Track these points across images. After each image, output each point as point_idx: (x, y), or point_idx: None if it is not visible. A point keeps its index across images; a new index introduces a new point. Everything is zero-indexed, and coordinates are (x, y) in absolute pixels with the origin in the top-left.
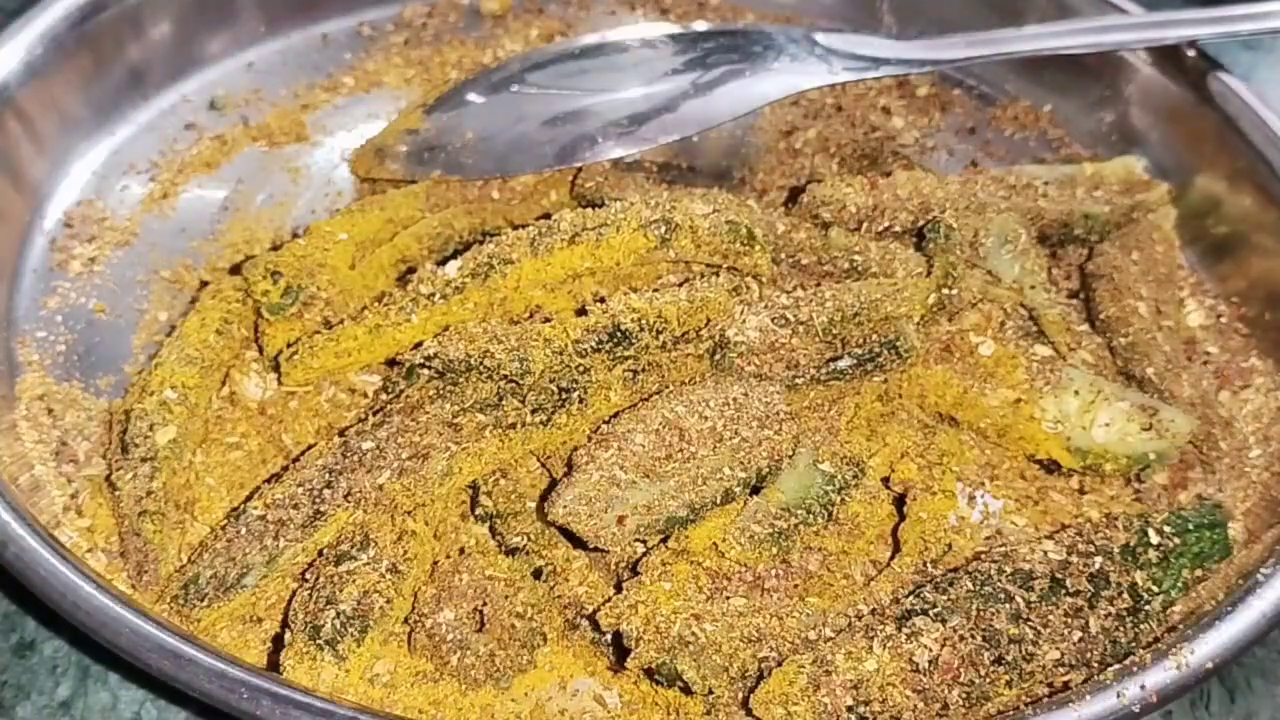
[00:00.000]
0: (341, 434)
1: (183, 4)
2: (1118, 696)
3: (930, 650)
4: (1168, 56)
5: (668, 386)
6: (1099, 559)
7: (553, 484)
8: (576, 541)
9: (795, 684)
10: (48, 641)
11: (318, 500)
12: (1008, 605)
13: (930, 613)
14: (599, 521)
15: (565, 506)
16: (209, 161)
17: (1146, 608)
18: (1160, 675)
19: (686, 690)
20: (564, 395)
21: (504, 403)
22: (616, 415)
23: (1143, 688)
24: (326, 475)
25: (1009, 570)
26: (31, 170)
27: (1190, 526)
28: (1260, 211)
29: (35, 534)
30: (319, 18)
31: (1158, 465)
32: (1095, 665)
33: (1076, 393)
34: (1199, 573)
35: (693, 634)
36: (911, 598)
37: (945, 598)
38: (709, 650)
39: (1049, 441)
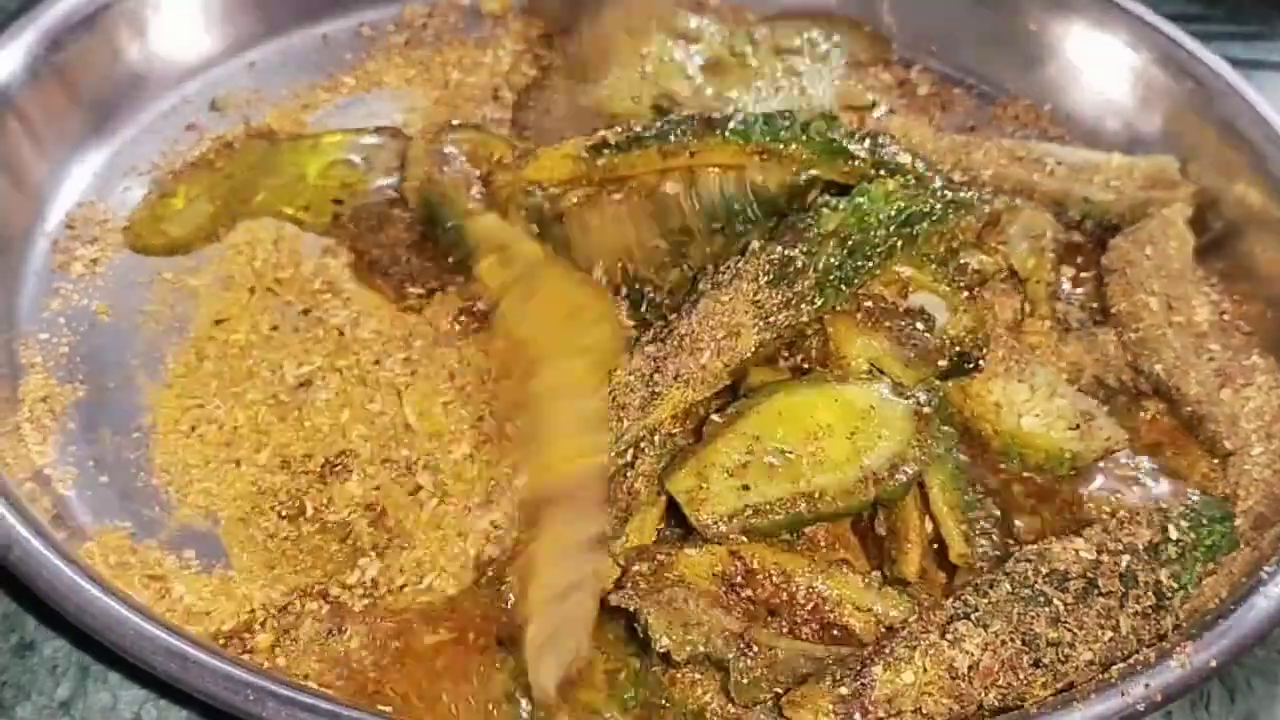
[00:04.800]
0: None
1: (183, 4)
2: (1122, 695)
3: (972, 655)
4: (1168, 56)
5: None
6: (1126, 558)
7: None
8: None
9: (829, 696)
10: (48, 641)
11: (650, 384)
12: (1047, 609)
13: (972, 617)
14: (710, 511)
15: (684, 484)
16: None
17: (1167, 604)
18: (1164, 674)
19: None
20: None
21: (795, 272)
22: (762, 387)
23: (1147, 686)
24: (653, 362)
25: (1045, 571)
26: (33, 172)
27: (1203, 521)
28: (1261, 210)
29: (39, 536)
30: (319, 18)
31: (1070, 466)
32: (1117, 661)
33: (1031, 387)
34: (1210, 566)
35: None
36: (954, 601)
37: (986, 601)
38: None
39: (980, 420)
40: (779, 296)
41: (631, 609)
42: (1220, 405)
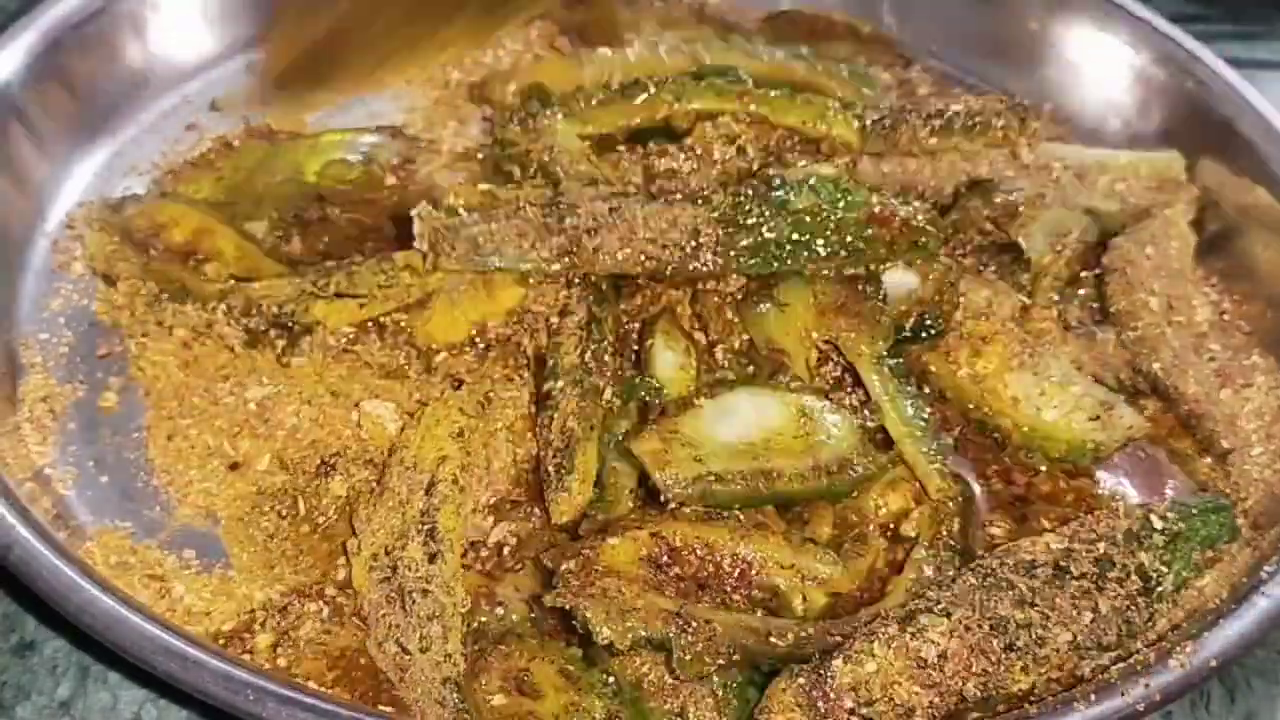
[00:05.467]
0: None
1: (183, 4)
2: (1121, 695)
3: (937, 645)
4: (1168, 56)
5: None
6: (1102, 544)
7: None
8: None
9: (789, 692)
10: (48, 641)
11: (556, 232)
12: (1011, 592)
13: (935, 609)
14: (673, 473)
15: (649, 445)
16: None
17: (1158, 588)
18: (1164, 674)
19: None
20: None
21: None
22: (724, 382)
23: (1147, 686)
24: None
25: (1010, 562)
26: (33, 171)
27: (1194, 512)
28: (1261, 210)
29: (40, 536)
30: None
31: (1093, 456)
32: (1111, 647)
33: (1049, 377)
34: (1210, 554)
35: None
36: (915, 599)
37: (949, 594)
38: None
39: (999, 415)
40: (716, 236)
41: (568, 607)
42: (1219, 405)
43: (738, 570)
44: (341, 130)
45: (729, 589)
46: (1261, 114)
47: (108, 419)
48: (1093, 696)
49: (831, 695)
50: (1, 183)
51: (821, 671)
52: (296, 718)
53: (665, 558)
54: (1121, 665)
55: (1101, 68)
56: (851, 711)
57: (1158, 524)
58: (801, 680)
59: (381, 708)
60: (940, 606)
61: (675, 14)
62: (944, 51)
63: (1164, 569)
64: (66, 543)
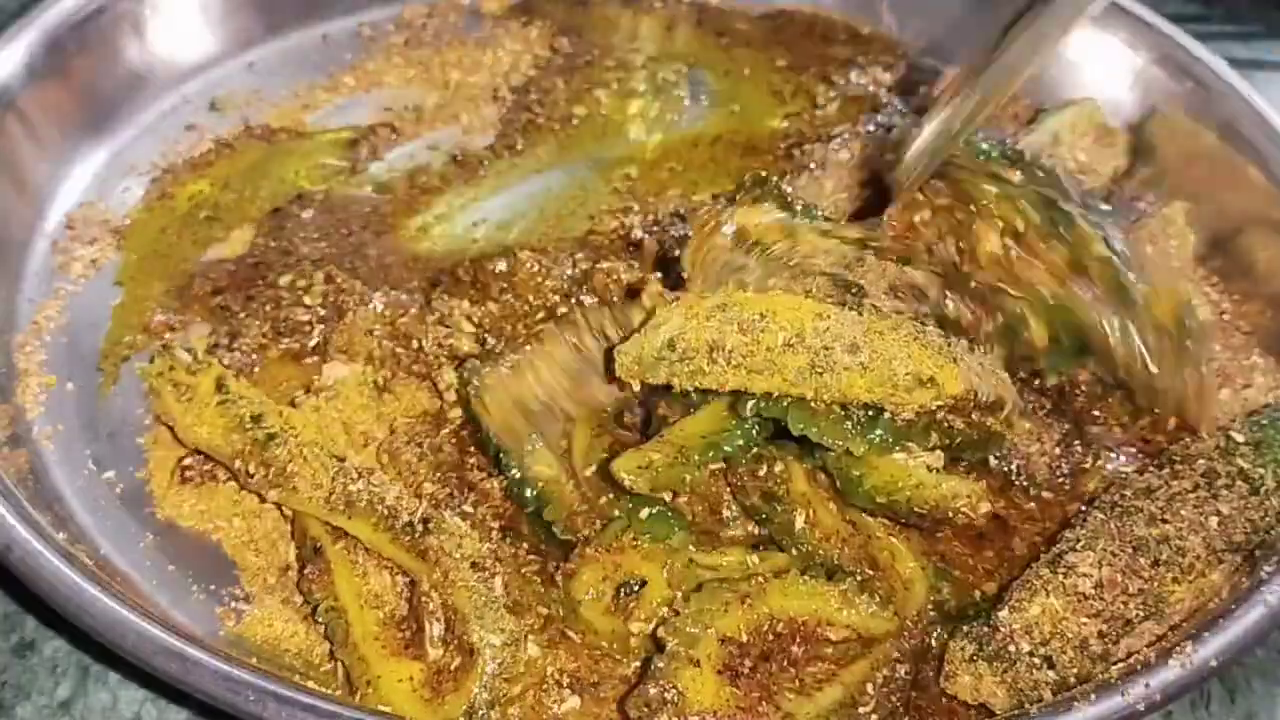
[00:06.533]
0: None
1: (183, 4)
2: (1121, 695)
3: (1090, 576)
4: (1168, 56)
5: None
6: (1200, 461)
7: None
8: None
9: (966, 649)
10: (48, 641)
11: None
12: (1140, 515)
13: (1076, 547)
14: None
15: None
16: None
17: (1262, 486)
18: (1164, 674)
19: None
20: None
21: None
22: None
23: (1147, 686)
24: None
25: (1129, 492)
26: (33, 172)
27: (1265, 422)
28: (1261, 210)
29: (40, 536)
30: (319, 18)
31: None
32: (1243, 547)
33: None
34: None
35: None
36: (1053, 548)
37: (1084, 532)
38: None
39: None
40: None
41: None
42: (1219, 405)
43: (795, 634)
44: (339, 130)
45: (799, 661)
46: (1261, 114)
47: (107, 418)
48: (1093, 696)
49: (1009, 641)
50: (1, 183)
51: (990, 624)
52: (296, 718)
53: (736, 655)
54: (1121, 665)
55: (1101, 68)
56: (1030, 653)
57: (1239, 437)
58: (974, 635)
59: (381, 707)
60: (1080, 544)
61: (676, 14)
62: (944, 51)
63: (1261, 470)
64: (66, 543)
